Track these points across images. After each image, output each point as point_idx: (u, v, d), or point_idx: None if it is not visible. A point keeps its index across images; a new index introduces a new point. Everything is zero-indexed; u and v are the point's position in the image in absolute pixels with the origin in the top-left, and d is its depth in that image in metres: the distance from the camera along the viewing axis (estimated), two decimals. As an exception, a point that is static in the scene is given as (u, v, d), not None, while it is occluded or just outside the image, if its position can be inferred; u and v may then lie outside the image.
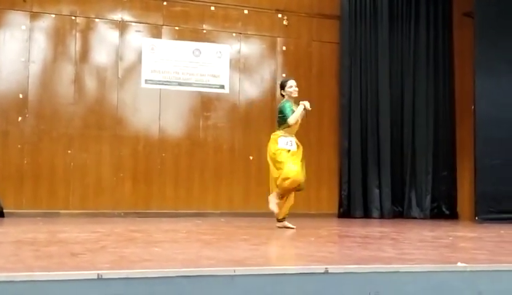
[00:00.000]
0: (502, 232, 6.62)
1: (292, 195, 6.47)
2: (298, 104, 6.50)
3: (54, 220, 7.53)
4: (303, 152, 6.58)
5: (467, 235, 6.51)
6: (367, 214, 9.41)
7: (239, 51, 9.37)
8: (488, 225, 7.77)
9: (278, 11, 9.54)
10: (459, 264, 3.33)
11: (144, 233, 5.68)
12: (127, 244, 4.58)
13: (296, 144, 6.52)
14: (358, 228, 7.01)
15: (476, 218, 8.46)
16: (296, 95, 6.53)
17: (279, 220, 6.50)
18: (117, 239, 4.95)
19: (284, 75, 9.44)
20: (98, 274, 2.71)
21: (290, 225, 6.46)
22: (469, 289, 3.19)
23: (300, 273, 3.01)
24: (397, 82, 9.78)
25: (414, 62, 9.85)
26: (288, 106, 6.45)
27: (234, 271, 2.90)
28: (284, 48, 9.55)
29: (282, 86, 6.61)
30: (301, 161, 6.47)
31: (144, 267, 3.10)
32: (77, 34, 8.69)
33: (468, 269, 3.26)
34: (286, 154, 6.36)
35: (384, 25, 9.71)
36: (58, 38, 8.62)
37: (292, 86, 6.53)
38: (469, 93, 9.09)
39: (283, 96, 6.62)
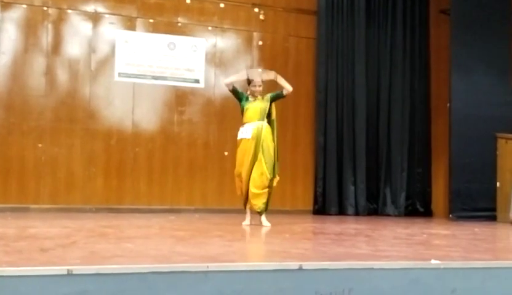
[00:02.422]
0: (476, 229, 6.68)
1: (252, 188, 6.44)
2: (259, 99, 6.60)
3: (24, 215, 7.42)
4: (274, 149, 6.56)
5: (441, 232, 6.57)
6: (342, 211, 9.40)
7: (214, 45, 9.29)
8: (462, 223, 7.84)
9: (255, 5, 9.47)
10: (433, 261, 3.33)
11: (116, 229, 5.63)
12: (98, 239, 4.53)
13: (257, 135, 6.45)
14: (333, 225, 7.02)
15: (450, 216, 8.52)
16: (258, 95, 6.61)
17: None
18: (88, 235, 4.90)
19: (260, 70, 9.37)
20: (68, 270, 2.69)
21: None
22: (442, 286, 3.21)
23: (274, 270, 2.99)
24: (373, 78, 9.80)
25: (390, 59, 9.87)
26: (241, 93, 6.65)
27: (208, 268, 2.88)
28: (260, 42, 9.50)
29: (248, 82, 6.68)
30: (258, 162, 6.42)
31: (116, 263, 3.06)
32: (49, 25, 8.53)
33: (442, 266, 3.27)
34: (239, 153, 6.50)
35: (361, 21, 9.71)
36: (29, 29, 8.44)
37: (255, 85, 6.62)
38: (444, 90, 9.15)
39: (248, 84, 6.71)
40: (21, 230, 5.34)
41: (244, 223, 6.53)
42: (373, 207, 9.71)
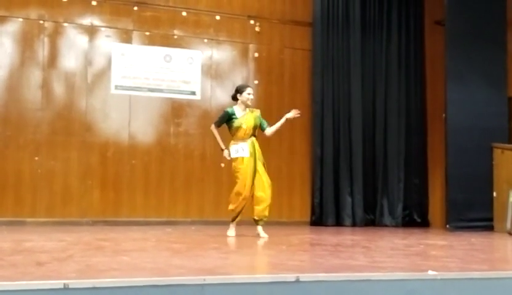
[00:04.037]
0: (473, 240, 6.67)
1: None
2: (249, 112, 6.57)
3: (20, 229, 7.40)
4: (264, 164, 6.57)
5: (438, 243, 6.55)
6: (339, 222, 9.40)
7: (210, 58, 9.32)
8: (459, 233, 7.82)
9: (250, 17, 9.52)
10: (430, 272, 3.32)
11: (113, 242, 5.61)
12: (94, 253, 4.51)
13: (254, 151, 6.46)
14: (330, 237, 7.01)
15: (447, 226, 8.51)
16: (251, 104, 6.60)
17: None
18: (85, 248, 4.89)
19: (256, 82, 9.42)
20: (64, 283, 2.67)
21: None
22: (439, 296, 3.19)
23: (271, 282, 2.98)
24: (369, 89, 9.83)
25: (386, 70, 9.90)
26: (226, 113, 6.54)
27: (204, 280, 2.87)
28: (256, 54, 9.53)
29: (239, 91, 6.61)
30: (259, 176, 6.41)
31: (112, 276, 3.05)
32: (45, 39, 8.55)
33: (439, 277, 3.26)
34: (242, 174, 6.41)
35: (357, 32, 9.76)
36: (26, 42, 8.47)
37: (250, 93, 6.58)
38: (440, 101, 9.16)
39: (235, 99, 6.65)
40: (17, 243, 5.31)
41: (231, 234, 6.52)
42: (371, 218, 9.70)
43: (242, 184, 6.41)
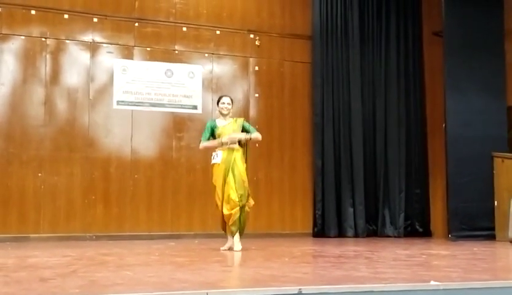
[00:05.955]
0: (475, 249, 6.68)
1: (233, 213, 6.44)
2: (231, 121, 6.66)
3: (24, 245, 7.43)
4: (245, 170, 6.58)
5: (440, 252, 6.57)
6: (341, 233, 9.41)
7: (211, 72, 9.38)
8: (461, 243, 7.84)
9: (250, 31, 9.59)
10: (432, 283, 3.34)
11: (116, 257, 5.63)
12: (98, 268, 4.53)
13: (226, 160, 6.46)
14: (332, 248, 7.02)
15: (449, 236, 8.52)
16: (226, 112, 6.67)
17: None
18: (88, 263, 4.91)
19: (256, 95, 9.49)
20: (67, 300, 2.68)
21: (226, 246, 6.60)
22: (442, 307, 3.20)
23: (274, 295, 3.00)
24: (369, 100, 9.87)
25: (385, 81, 9.95)
26: (208, 126, 6.69)
27: (207, 294, 2.88)
28: (257, 68, 9.59)
29: (217, 103, 6.80)
30: (226, 188, 6.41)
31: (116, 292, 3.07)
32: (48, 56, 8.61)
33: (441, 287, 3.28)
34: (216, 177, 6.51)
35: (356, 45, 9.81)
36: (28, 60, 8.53)
37: (224, 103, 6.69)
38: (440, 111, 9.20)
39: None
40: (21, 260, 5.34)
41: (222, 248, 6.55)
42: (373, 228, 9.71)
43: (218, 189, 6.48)
